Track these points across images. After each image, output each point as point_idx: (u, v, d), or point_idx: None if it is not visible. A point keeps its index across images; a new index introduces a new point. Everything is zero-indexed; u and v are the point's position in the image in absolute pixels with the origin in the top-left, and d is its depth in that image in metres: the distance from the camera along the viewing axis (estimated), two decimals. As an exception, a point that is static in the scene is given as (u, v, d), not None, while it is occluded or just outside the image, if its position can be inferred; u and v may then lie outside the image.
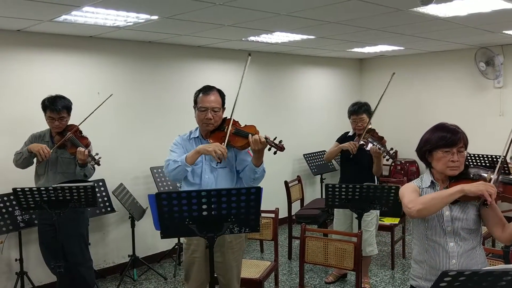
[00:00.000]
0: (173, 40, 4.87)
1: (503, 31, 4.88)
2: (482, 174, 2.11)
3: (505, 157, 2.09)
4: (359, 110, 3.99)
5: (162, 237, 2.27)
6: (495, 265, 2.58)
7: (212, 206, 2.15)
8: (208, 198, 2.12)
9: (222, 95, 2.89)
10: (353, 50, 6.21)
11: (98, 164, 3.48)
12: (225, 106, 2.91)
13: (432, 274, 2.08)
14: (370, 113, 4.02)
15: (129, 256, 4.54)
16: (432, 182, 2.18)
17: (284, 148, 2.69)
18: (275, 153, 2.72)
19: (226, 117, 2.90)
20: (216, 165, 2.77)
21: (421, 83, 6.88)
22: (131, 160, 4.84)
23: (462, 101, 6.41)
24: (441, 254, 2.10)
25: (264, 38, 4.92)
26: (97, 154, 3.47)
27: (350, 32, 4.70)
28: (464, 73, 6.36)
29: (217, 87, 2.91)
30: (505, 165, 2.25)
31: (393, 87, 7.09)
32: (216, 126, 2.86)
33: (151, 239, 4.95)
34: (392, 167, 6.87)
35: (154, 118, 5.03)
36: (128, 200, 4.40)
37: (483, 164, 5.22)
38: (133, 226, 4.46)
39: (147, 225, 4.70)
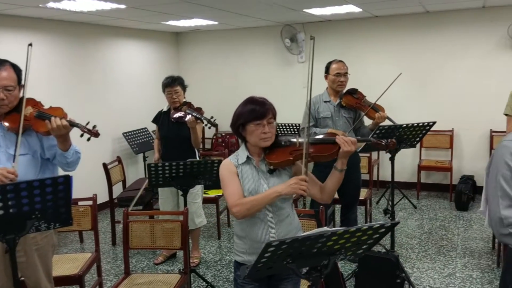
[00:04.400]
0: None
1: (304, 10, 5.31)
2: (292, 140, 2.23)
3: (308, 123, 2.25)
4: (173, 83, 3.95)
5: None
6: (309, 224, 2.83)
7: (9, 203, 1.79)
8: (2, 194, 1.76)
9: (17, 70, 2.45)
10: (168, 23, 6.04)
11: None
12: (23, 83, 2.47)
13: (255, 248, 2.12)
14: (184, 86, 4.04)
15: None
16: (248, 157, 2.21)
17: (98, 134, 2.46)
18: (88, 139, 2.45)
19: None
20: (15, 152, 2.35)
21: (237, 57, 7.13)
22: None
23: (273, 75, 6.88)
24: (261, 227, 2.16)
25: (66, 4, 4.37)
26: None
27: (163, 3, 4.52)
28: (273, 49, 6.80)
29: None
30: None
31: (211, 61, 7.29)
32: (12, 107, 2.42)
33: None
34: (213, 140, 7.03)
35: None
36: None
37: (291, 131, 5.72)
38: None
39: None
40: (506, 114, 3.55)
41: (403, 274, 3.41)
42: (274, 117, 2.18)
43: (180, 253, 4.37)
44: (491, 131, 5.69)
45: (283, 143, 2.23)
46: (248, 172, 2.19)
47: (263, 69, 6.94)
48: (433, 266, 3.96)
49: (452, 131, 5.92)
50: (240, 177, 2.18)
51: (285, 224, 2.19)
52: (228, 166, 2.20)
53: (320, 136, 2.22)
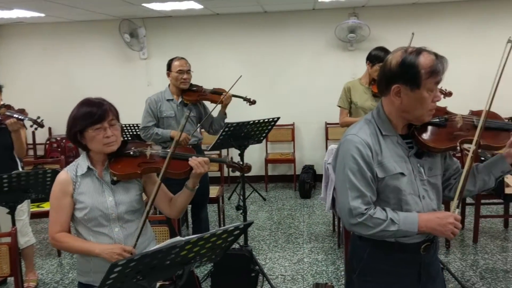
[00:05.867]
0: None
1: (143, 4, 5.06)
2: (143, 150, 2.03)
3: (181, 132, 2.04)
4: None
5: None
6: (161, 231, 2.66)
7: None
8: None
9: None
10: (-18, 13, 5.18)
11: None
12: None
13: (100, 266, 1.88)
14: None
15: None
16: (88, 168, 1.95)
17: None
18: None
19: None
20: None
21: (71, 53, 6.48)
22: None
23: (113, 72, 6.44)
24: (107, 243, 1.93)
25: None
26: None
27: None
28: (112, 44, 6.36)
29: None
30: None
31: (38, 58, 6.49)
32: None
33: None
34: (47, 145, 6.30)
35: None
36: None
37: (134, 132, 5.39)
38: None
39: None
40: (339, 106, 3.88)
41: (257, 267, 3.47)
42: (117, 118, 1.95)
43: (11, 279, 3.77)
44: (326, 124, 6.21)
45: (132, 152, 2.01)
46: (89, 186, 1.93)
47: (102, 67, 6.45)
48: (284, 254, 4.13)
49: (293, 124, 6.30)
50: (78, 191, 1.91)
51: (132, 236, 1.98)
52: (61, 185, 1.92)
53: (170, 150, 1.97)
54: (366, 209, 1.62)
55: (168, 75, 3.75)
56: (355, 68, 5.76)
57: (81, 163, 1.97)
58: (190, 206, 4.20)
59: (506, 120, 1.88)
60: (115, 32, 6.11)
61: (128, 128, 5.40)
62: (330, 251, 4.15)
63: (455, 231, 1.60)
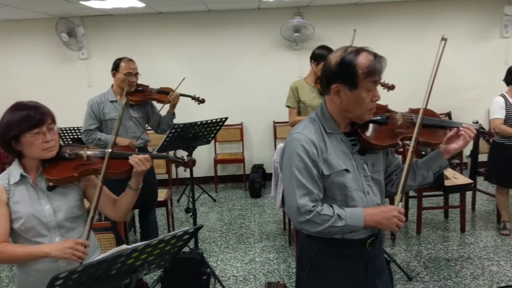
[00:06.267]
0: None
1: (81, 2, 4.84)
2: (79, 152, 1.95)
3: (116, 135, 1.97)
4: None
5: None
6: (107, 238, 2.55)
7: None
8: None
9: None
10: None
11: None
12: None
13: (42, 279, 1.76)
14: None
15: None
16: (21, 175, 1.83)
17: None
18: None
19: None
20: None
21: (2, 54, 6.09)
22: None
23: (49, 73, 6.12)
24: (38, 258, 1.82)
25: None
26: None
27: None
28: (48, 44, 6.04)
29: None
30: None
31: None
32: None
33: None
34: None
35: None
36: None
37: (75, 136, 5.18)
38: None
39: None
40: (287, 106, 3.90)
41: (209, 270, 3.42)
42: (54, 121, 1.85)
43: None
44: (274, 122, 6.25)
45: (67, 155, 1.91)
46: (24, 194, 1.81)
47: (38, 67, 6.10)
48: (235, 255, 4.10)
49: (241, 124, 6.29)
50: (12, 201, 1.79)
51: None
52: None
53: (107, 150, 1.91)
54: (313, 206, 1.63)
55: (114, 75, 3.60)
56: (301, 67, 5.83)
57: (13, 171, 1.85)
58: (137, 210, 4.08)
59: (443, 118, 1.96)
60: (52, 32, 5.82)
61: (69, 131, 5.18)
62: (282, 249, 4.17)
63: (399, 224, 1.64)
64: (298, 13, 6.03)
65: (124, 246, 1.41)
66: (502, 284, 3.30)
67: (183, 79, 3.83)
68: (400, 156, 1.96)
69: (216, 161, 6.09)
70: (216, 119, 3.43)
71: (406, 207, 4.72)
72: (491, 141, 2.05)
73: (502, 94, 4.06)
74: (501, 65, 5.75)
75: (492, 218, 4.60)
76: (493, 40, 6.16)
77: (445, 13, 6.09)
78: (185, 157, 2.26)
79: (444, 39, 1.69)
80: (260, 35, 6.14)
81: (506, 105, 3.98)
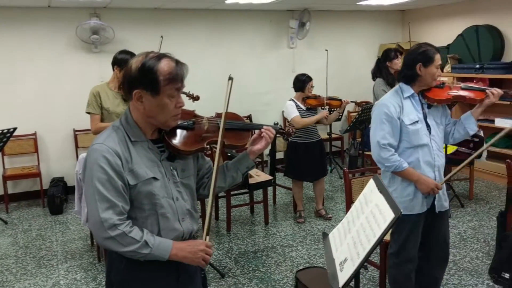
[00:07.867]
0: None
1: None
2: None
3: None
4: None
5: None
6: None
7: None
8: None
9: None
10: None
11: None
12: None
13: None
14: None
15: None
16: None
17: None
18: None
19: None
20: None
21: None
22: None
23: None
24: None
25: None
26: None
27: None
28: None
29: None
30: None
31: None
32: None
33: None
34: None
35: None
36: None
37: None
38: None
39: None
40: (88, 113, 3.62)
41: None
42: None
43: None
44: (75, 131, 5.76)
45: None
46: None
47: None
48: (35, 281, 3.64)
49: (35, 134, 5.61)
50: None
51: None
52: None
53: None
54: (119, 219, 1.56)
55: None
56: (102, 71, 5.52)
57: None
58: None
59: (246, 121, 2.09)
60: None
61: None
62: (90, 267, 3.87)
63: (206, 258, 1.66)
64: (96, 14, 5.70)
65: None
66: (301, 267, 3.69)
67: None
68: (210, 159, 2.00)
69: (5, 177, 5.29)
70: (2, 130, 2.97)
71: (216, 207, 4.91)
72: (289, 139, 2.26)
73: (291, 98, 4.59)
74: (289, 72, 6.50)
75: (290, 209, 5.13)
76: (282, 50, 6.89)
77: (245, 25, 6.55)
78: None
79: (231, 78, 1.76)
80: (53, 36, 5.59)
81: (296, 107, 4.51)
